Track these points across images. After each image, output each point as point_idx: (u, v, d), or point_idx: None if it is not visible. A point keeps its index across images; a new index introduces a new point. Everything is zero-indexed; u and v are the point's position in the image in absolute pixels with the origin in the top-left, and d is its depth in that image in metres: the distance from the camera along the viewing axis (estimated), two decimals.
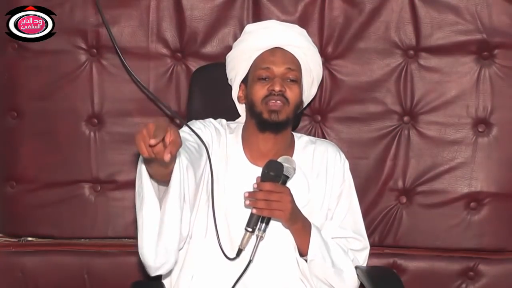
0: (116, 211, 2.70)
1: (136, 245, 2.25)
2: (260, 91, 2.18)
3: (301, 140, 2.30)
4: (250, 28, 2.33)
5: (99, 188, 2.71)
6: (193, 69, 2.65)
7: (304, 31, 2.35)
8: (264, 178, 2.09)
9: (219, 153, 2.22)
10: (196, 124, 2.24)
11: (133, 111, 2.65)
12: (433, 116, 2.65)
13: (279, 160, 2.13)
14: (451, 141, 2.65)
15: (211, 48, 2.66)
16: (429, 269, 2.68)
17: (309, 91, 2.33)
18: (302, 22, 2.62)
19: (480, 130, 2.65)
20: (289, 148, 2.26)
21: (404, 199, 2.68)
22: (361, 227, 2.29)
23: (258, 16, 2.62)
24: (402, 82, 2.65)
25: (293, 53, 2.24)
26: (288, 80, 2.20)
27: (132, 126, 2.65)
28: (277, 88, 2.16)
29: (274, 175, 2.08)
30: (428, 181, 2.66)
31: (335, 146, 2.35)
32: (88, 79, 2.67)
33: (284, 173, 2.10)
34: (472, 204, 2.66)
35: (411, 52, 2.64)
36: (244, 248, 2.08)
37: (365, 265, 2.27)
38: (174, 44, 2.66)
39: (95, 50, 2.66)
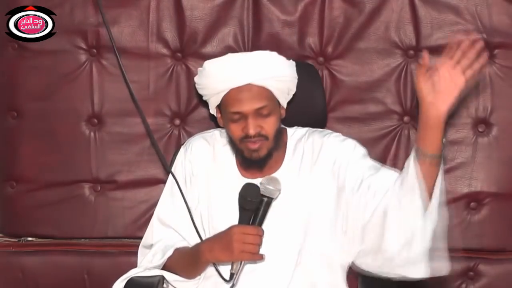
0: (116, 211, 2.70)
1: (136, 245, 2.26)
2: (236, 132, 2.09)
3: (292, 138, 2.21)
4: (209, 66, 2.12)
5: (99, 188, 2.71)
6: (193, 69, 2.65)
7: (270, 54, 2.12)
8: (243, 205, 2.02)
9: (215, 169, 2.19)
10: (179, 160, 2.23)
11: (133, 111, 2.65)
12: None
13: (262, 181, 2.05)
14: (451, 141, 2.65)
15: (211, 48, 2.65)
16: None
17: (288, 97, 2.18)
18: (302, 22, 2.62)
19: (480, 130, 2.65)
20: (280, 152, 2.17)
21: None
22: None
23: (258, 16, 2.62)
24: (402, 82, 2.65)
25: (261, 85, 2.07)
26: (263, 115, 2.08)
27: (132, 126, 2.66)
28: (251, 133, 2.06)
29: (251, 200, 2.02)
30: None
31: (323, 132, 2.22)
32: (88, 79, 2.67)
33: (266, 194, 2.03)
34: (472, 204, 2.66)
35: (411, 52, 2.64)
36: (235, 271, 2.03)
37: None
38: (174, 44, 2.66)
39: (95, 50, 2.66)
